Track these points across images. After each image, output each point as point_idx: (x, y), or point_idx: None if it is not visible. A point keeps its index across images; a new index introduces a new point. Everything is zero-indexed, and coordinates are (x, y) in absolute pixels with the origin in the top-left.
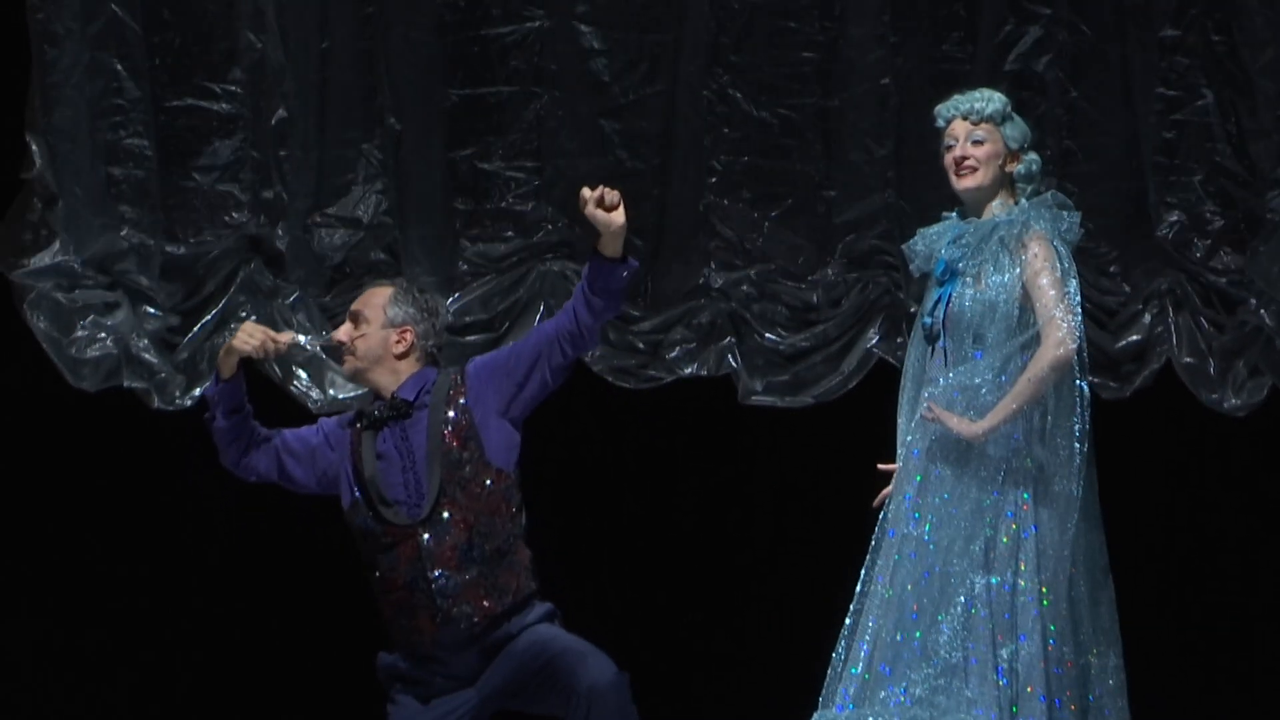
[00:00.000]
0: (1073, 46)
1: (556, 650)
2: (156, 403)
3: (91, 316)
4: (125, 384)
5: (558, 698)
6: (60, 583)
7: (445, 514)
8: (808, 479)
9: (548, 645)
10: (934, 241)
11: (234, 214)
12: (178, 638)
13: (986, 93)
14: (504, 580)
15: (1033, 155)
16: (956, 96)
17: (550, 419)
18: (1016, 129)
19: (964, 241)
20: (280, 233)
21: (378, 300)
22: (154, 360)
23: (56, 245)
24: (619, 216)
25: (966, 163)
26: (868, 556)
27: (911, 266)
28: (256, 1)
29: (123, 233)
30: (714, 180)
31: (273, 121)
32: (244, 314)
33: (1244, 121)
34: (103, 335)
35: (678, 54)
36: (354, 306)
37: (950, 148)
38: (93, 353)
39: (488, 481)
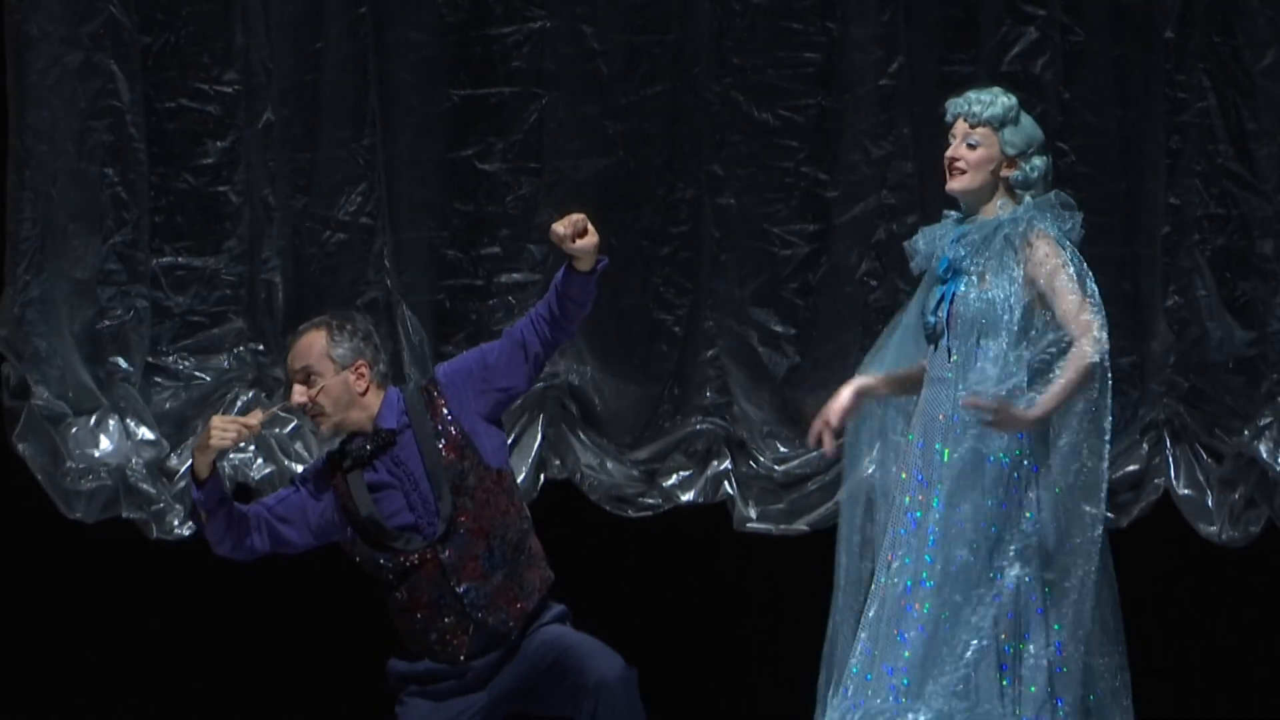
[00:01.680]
0: (1067, 48)
1: (564, 646)
2: (155, 533)
3: (80, 450)
4: (124, 514)
5: (566, 695)
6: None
7: (461, 528)
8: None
9: (556, 642)
10: (935, 240)
11: (227, 223)
12: None
13: (992, 95)
14: (528, 577)
15: (1036, 161)
16: (969, 93)
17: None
18: (1019, 134)
19: (968, 240)
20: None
21: (318, 348)
22: (151, 490)
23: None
24: (593, 238)
25: (957, 164)
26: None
27: (912, 264)
28: (246, 1)
29: (113, 239)
30: (716, 183)
31: (259, 125)
32: (241, 444)
33: (1246, 123)
34: (100, 468)
35: (679, 55)
36: (296, 364)
37: (950, 145)
38: (87, 484)
39: (491, 485)
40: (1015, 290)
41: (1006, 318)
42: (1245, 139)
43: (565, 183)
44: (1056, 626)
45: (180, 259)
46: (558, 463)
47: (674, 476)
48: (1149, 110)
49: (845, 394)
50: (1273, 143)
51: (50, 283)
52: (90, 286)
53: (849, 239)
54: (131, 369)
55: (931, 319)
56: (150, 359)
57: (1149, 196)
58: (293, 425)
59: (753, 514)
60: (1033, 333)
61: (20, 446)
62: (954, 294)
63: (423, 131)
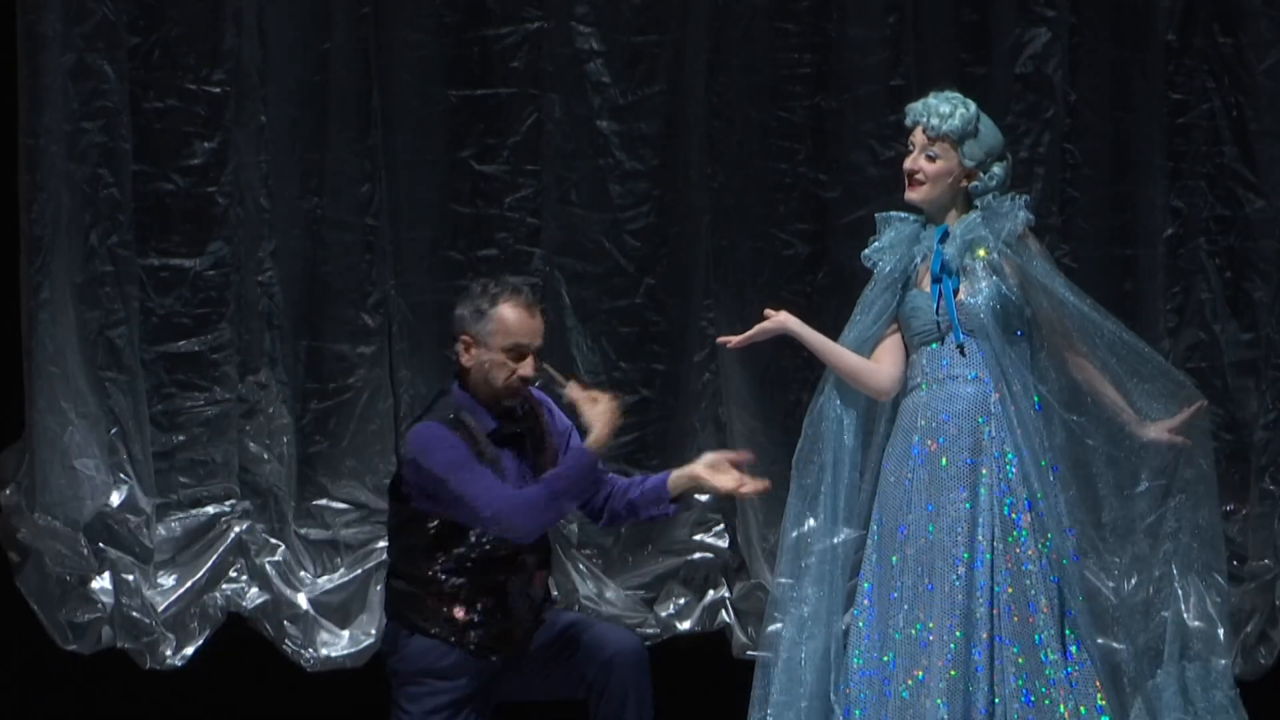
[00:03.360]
0: (1074, 50)
1: (574, 619)
2: (148, 663)
3: (80, 458)
4: (118, 644)
5: (572, 669)
6: None
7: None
8: None
9: (565, 615)
10: (905, 242)
11: (213, 225)
12: None
13: (950, 107)
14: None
15: (995, 169)
16: (928, 100)
17: None
18: (978, 146)
19: (962, 238)
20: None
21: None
22: (145, 620)
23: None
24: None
25: (915, 176)
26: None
27: (882, 266)
28: (239, 2)
29: (109, 241)
30: (714, 185)
31: (253, 127)
32: (234, 572)
33: (1249, 124)
34: (94, 599)
35: (678, 55)
36: (539, 341)
37: (909, 152)
38: (83, 616)
39: None
40: (1015, 286)
41: (1016, 312)
42: (1248, 140)
43: (562, 184)
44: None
45: (165, 260)
46: (556, 593)
47: (671, 605)
48: (1151, 112)
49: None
50: (1276, 143)
51: (58, 284)
52: (88, 288)
53: (855, 241)
54: (124, 375)
55: (935, 318)
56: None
57: (1152, 198)
58: (280, 549)
59: (752, 639)
60: (1029, 326)
61: (17, 569)
62: (954, 292)
63: (422, 132)
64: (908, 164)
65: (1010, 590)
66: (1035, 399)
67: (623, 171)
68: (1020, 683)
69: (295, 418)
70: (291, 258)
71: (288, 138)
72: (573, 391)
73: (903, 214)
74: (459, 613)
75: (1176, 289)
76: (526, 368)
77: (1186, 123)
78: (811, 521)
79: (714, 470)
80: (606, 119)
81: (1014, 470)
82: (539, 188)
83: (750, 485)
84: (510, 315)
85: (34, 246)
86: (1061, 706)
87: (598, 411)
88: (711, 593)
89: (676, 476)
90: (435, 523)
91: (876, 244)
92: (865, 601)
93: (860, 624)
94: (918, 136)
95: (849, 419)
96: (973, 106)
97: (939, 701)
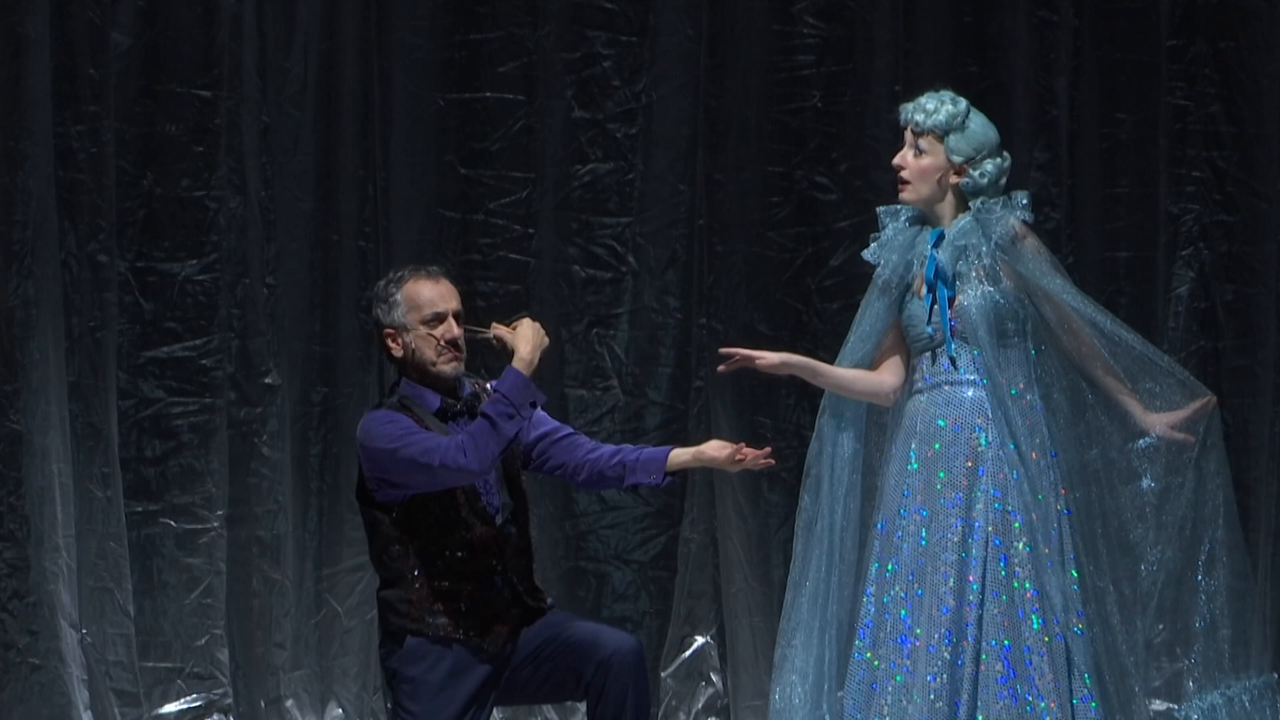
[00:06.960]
0: (1075, 53)
1: (572, 620)
2: None
3: (60, 464)
4: None
5: (570, 672)
6: None
7: (513, 523)
8: None
9: (563, 617)
10: (905, 246)
11: (205, 230)
12: None
13: (936, 103)
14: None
15: (987, 166)
16: (919, 99)
17: None
18: (966, 141)
19: (954, 243)
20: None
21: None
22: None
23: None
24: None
25: (902, 174)
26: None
27: (882, 271)
28: (235, 8)
29: (88, 246)
30: (713, 188)
31: (258, 130)
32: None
33: (1249, 128)
34: None
35: (675, 58)
36: (455, 304)
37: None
38: None
39: (524, 481)
40: (1010, 287)
41: (1011, 316)
42: (1249, 144)
43: (558, 188)
44: None
45: (156, 264)
46: (552, 599)
47: None
48: (1152, 115)
49: (776, 357)
50: (1277, 147)
51: (39, 287)
52: (68, 294)
53: (853, 245)
54: (102, 381)
55: (929, 329)
56: (132, 378)
57: (1152, 202)
58: None
59: None
60: (1029, 326)
61: None
62: (949, 300)
63: (416, 136)
64: (895, 160)
65: (1002, 598)
66: (1036, 404)
67: (625, 175)
68: (1006, 688)
69: (297, 420)
70: (307, 260)
71: (289, 139)
72: (496, 329)
73: (904, 207)
74: (442, 605)
75: (1176, 293)
76: (450, 330)
77: (1186, 126)
78: (819, 520)
79: (717, 448)
80: (614, 122)
81: (1010, 476)
82: (533, 192)
83: (751, 454)
84: (416, 289)
85: (14, 249)
86: (1046, 715)
87: (520, 333)
88: None
89: (679, 452)
90: (398, 533)
91: (876, 240)
92: (869, 606)
93: (859, 628)
94: (907, 135)
95: (847, 421)
96: (962, 103)
97: (921, 704)
